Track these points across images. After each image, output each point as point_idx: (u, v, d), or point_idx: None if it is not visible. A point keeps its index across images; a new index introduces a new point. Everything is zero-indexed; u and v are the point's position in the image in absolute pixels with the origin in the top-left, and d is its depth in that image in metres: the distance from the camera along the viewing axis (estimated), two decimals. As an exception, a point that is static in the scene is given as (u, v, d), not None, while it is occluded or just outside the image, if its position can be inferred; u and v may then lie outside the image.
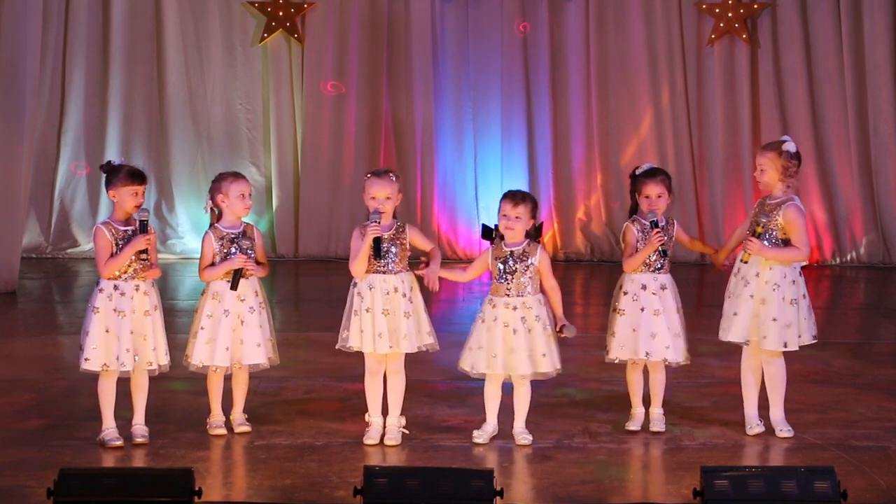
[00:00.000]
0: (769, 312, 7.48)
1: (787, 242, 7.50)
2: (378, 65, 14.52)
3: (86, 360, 7.30)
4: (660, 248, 7.58)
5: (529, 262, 7.36)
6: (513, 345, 7.33)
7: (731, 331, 7.59)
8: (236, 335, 7.51)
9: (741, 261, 7.56)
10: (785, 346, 7.53)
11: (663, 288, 7.62)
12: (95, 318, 7.30)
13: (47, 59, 13.86)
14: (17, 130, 11.92)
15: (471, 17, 14.51)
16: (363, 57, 14.51)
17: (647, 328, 7.56)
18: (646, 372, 7.76)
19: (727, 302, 7.63)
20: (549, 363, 7.38)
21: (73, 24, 14.36)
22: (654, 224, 7.57)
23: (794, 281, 7.53)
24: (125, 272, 7.31)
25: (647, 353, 7.58)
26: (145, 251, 7.30)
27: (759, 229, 7.49)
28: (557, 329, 7.38)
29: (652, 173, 7.69)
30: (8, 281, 12.19)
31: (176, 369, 7.74)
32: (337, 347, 7.52)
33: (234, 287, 7.46)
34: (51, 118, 14.38)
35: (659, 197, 7.61)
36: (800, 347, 7.58)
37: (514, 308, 7.35)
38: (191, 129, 14.61)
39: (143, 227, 7.30)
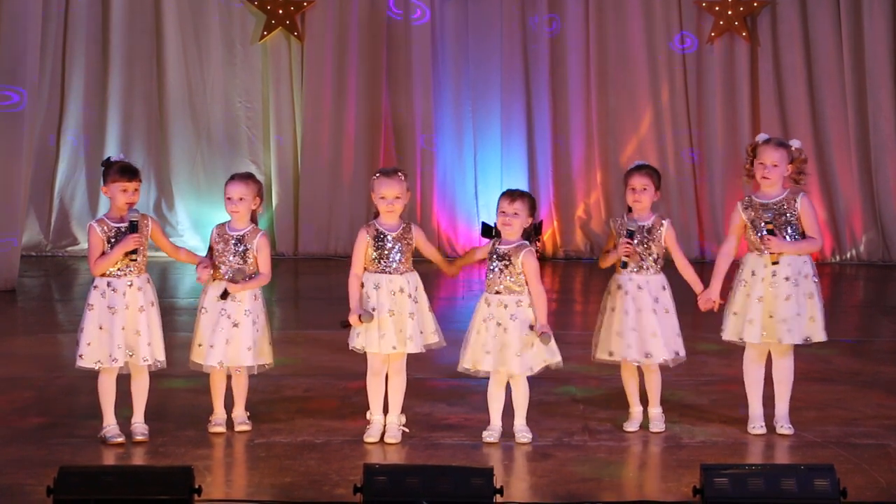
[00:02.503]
0: (790, 308, 7.42)
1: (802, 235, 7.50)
2: (377, 63, 14.51)
3: (80, 356, 7.32)
4: (622, 258, 7.54)
5: (511, 263, 7.33)
6: (504, 341, 7.30)
7: (752, 333, 7.49)
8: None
9: (773, 263, 7.42)
10: (808, 340, 7.49)
11: (664, 288, 7.60)
12: (89, 315, 7.31)
13: (47, 58, 13.86)
14: (17, 130, 11.90)
15: (470, 16, 14.50)
16: (363, 55, 14.50)
17: (647, 328, 7.53)
18: (640, 371, 7.73)
19: (748, 304, 7.48)
20: (540, 358, 7.36)
21: (72, 24, 14.35)
22: (630, 233, 7.54)
23: (806, 275, 7.50)
24: (116, 268, 7.33)
25: (648, 354, 7.56)
26: (135, 251, 7.30)
27: (770, 226, 7.45)
28: (538, 336, 7.33)
29: (638, 167, 7.67)
30: (7, 279, 12.19)
31: (176, 367, 7.73)
32: (350, 348, 7.51)
33: (223, 297, 7.47)
34: (51, 117, 14.38)
35: (644, 190, 7.54)
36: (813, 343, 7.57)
37: (505, 306, 7.32)
38: (190, 127, 14.60)
39: (134, 228, 7.28)
